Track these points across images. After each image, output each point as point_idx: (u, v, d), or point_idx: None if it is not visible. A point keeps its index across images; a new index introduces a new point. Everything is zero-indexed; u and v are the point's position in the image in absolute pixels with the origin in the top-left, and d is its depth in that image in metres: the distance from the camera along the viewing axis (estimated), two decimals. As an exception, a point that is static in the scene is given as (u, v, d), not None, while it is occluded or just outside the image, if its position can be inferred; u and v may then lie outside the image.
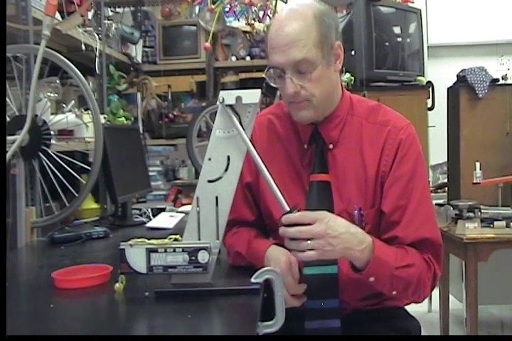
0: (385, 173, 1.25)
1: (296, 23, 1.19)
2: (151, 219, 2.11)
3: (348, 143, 1.29)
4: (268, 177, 1.12)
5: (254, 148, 1.16)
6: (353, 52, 3.03)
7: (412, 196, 1.23)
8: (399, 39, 3.06)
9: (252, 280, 1.11)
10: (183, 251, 1.10)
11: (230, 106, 1.14)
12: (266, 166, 1.14)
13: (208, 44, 2.90)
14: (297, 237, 1.08)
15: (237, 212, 1.33)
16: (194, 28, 3.26)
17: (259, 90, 1.15)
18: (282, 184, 1.27)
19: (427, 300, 3.11)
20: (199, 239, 1.13)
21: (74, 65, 1.85)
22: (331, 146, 1.29)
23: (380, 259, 1.15)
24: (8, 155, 1.70)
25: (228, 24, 3.30)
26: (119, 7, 3.27)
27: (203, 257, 1.09)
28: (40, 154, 1.83)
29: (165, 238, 1.13)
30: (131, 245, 1.10)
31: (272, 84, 1.29)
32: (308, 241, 1.07)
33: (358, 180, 1.26)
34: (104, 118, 2.42)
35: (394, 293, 1.20)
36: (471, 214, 2.67)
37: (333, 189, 1.27)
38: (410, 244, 1.21)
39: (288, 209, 1.11)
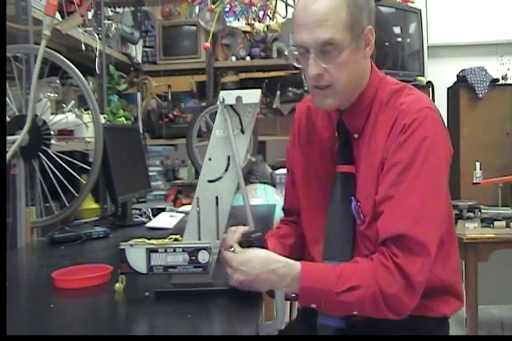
0: (385, 160, 1.14)
1: (325, 2, 1.11)
2: (151, 219, 2.11)
3: (372, 131, 1.19)
4: (244, 192, 1.15)
5: (295, 136, 1.28)
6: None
7: (403, 185, 1.10)
8: (399, 39, 3.06)
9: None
10: (183, 251, 1.10)
11: (230, 106, 1.14)
12: (301, 155, 1.26)
13: (207, 44, 2.90)
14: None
15: (288, 202, 1.43)
16: (194, 28, 3.26)
17: (260, 90, 1.15)
18: (312, 173, 1.30)
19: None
20: (199, 239, 1.13)
21: (74, 65, 1.85)
22: (356, 136, 1.22)
23: (311, 288, 1.08)
24: (8, 155, 1.70)
25: (228, 24, 3.29)
26: (119, 7, 3.27)
27: (203, 257, 1.10)
28: (40, 154, 1.83)
29: (165, 238, 1.13)
30: (131, 245, 1.10)
31: (295, 64, 1.20)
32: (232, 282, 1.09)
33: (372, 170, 1.17)
34: (104, 118, 2.42)
35: (355, 313, 1.10)
36: (471, 214, 2.68)
37: (358, 181, 1.20)
38: (385, 239, 1.10)
39: (252, 228, 1.13)
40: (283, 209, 1.48)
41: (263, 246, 1.12)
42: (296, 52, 1.17)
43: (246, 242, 1.12)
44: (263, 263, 1.08)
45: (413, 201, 1.10)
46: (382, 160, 1.14)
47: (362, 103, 1.21)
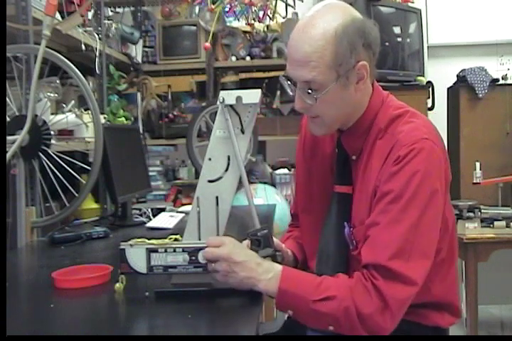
0: (378, 188, 1.13)
1: (310, 40, 1.09)
2: (151, 219, 2.11)
3: (369, 156, 1.19)
4: (248, 191, 1.15)
5: (300, 148, 1.32)
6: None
7: (389, 215, 1.09)
8: (399, 39, 3.06)
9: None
10: (183, 251, 1.10)
11: (230, 106, 1.14)
12: (305, 168, 1.29)
13: (207, 44, 2.90)
14: (206, 259, 1.10)
15: (294, 207, 1.45)
16: (194, 28, 3.26)
17: (260, 90, 1.15)
18: (314, 187, 1.32)
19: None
20: (199, 239, 1.13)
21: (74, 65, 1.84)
22: (353, 157, 1.23)
23: (287, 292, 1.07)
24: (8, 155, 1.70)
25: (228, 24, 3.29)
26: (119, 7, 3.27)
27: (203, 257, 1.09)
28: (40, 154, 1.83)
29: (165, 238, 1.13)
30: (131, 245, 1.10)
31: (288, 90, 1.21)
32: (214, 264, 1.09)
33: (366, 195, 1.17)
34: (104, 118, 2.42)
35: (331, 328, 1.08)
36: (471, 214, 2.68)
37: (353, 203, 1.21)
38: (366, 264, 1.09)
39: (258, 226, 1.14)
40: (291, 214, 1.51)
41: (270, 242, 1.13)
42: (286, 82, 1.18)
43: (254, 241, 1.12)
44: (250, 254, 1.10)
45: (396, 233, 1.08)
46: (375, 188, 1.14)
47: (360, 127, 1.21)
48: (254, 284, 1.08)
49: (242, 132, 1.14)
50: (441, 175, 1.15)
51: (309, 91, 1.12)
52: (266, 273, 1.08)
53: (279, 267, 1.10)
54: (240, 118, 1.14)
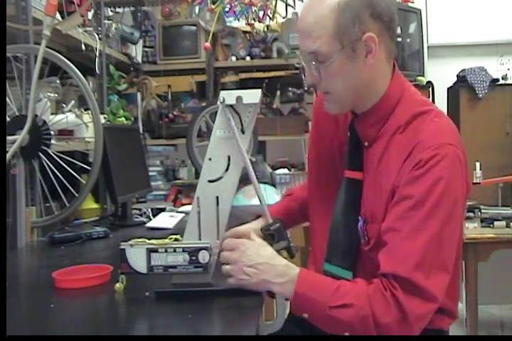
0: (397, 189, 1.09)
1: (314, 12, 1.09)
2: (151, 219, 2.11)
3: (386, 149, 1.14)
4: (257, 187, 1.15)
5: (315, 125, 1.28)
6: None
7: (410, 222, 1.05)
8: (399, 39, 3.06)
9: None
10: (183, 251, 1.10)
11: (231, 106, 1.13)
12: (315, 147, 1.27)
13: (207, 44, 2.90)
14: (221, 262, 1.11)
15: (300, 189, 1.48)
16: (194, 28, 3.26)
17: (260, 90, 1.15)
18: (320, 170, 1.30)
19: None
20: (199, 239, 1.13)
21: (74, 65, 1.84)
22: (366, 144, 1.18)
23: (304, 296, 1.06)
24: (9, 155, 1.70)
25: (228, 24, 3.29)
26: (119, 7, 3.26)
27: (203, 257, 1.09)
28: (40, 154, 1.83)
29: (165, 238, 1.13)
30: (131, 245, 1.10)
31: (297, 64, 1.23)
32: (227, 266, 1.09)
33: (382, 191, 1.13)
34: (104, 118, 2.42)
35: (346, 334, 1.06)
36: (471, 214, 2.68)
37: (364, 191, 1.17)
38: (386, 273, 1.05)
39: (270, 221, 1.15)
40: (284, 194, 1.54)
41: (283, 235, 1.14)
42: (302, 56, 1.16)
43: (267, 235, 1.13)
44: (267, 255, 1.09)
45: (418, 244, 1.04)
46: (394, 187, 1.09)
47: (375, 113, 1.17)
48: (268, 287, 1.08)
49: (243, 132, 1.14)
50: (464, 184, 1.12)
51: (315, 63, 1.11)
52: (280, 277, 1.07)
53: (295, 270, 1.08)
54: (240, 118, 1.14)
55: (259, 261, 1.08)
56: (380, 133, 1.16)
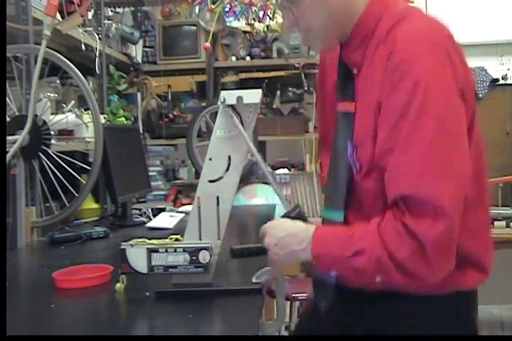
0: (382, 104, 1.00)
1: None
2: (151, 219, 2.11)
3: (370, 65, 1.05)
4: (273, 183, 1.14)
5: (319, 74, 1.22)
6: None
7: (400, 137, 0.96)
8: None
9: (253, 280, 1.11)
10: (183, 251, 1.10)
11: (231, 106, 1.13)
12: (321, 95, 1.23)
13: (207, 44, 2.90)
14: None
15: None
16: (194, 28, 3.26)
17: (260, 90, 1.15)
18: (325, 119, 1.26)
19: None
20: (200, 239, 1.13)
21: (74, 65, 1.84)
22: (355, 71, 1.09)
23: (320, 256, 1.03)
24: (9, 155, 1.70)
25: (228, 24, 3.29)
26: (119, 7, 3.27)
27: (203, 257, 1.09)
28: (40, 154, 1.83)
29: (166, 238, 1.13)
30: (131, 245, 1.10)
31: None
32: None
33: (368, 110, 1.04)
34: (104, 118, 2.42)
35: (378, 279, 0.98)
36: (471, 214, 2.67)
37: (356, 119, 1.08)
38: (393, 201, 0.97)
39: (288, 209, 1.13)
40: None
41: (305, 220, 1.13)
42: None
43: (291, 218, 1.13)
44: (287, 227, 1.09)
45: (412, 153, 0.95)
46: (379, 103, 1.00)
47: (356, 35, 1.08)
48: (297, 257, 1.07)
49: (243, 132, 1.14)
50: (455, 76, 0.99)
51: (287, 4, 1.09)
52: (300, 244, 1.05)
53: (310, 233, 1.05)
54: (240, 118, 1.14)
55: (282, 234, 1.07)
56: (366, 56, 1.07)
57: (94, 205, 2.37)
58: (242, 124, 1.14)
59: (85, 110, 2.13)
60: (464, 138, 0.98)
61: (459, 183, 0.96)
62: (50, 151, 1.84)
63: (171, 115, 3.25)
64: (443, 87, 0.97)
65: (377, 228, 0.97)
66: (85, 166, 1.93)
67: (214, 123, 1.16)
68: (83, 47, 2.23)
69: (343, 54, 1.13)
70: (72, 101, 2.21)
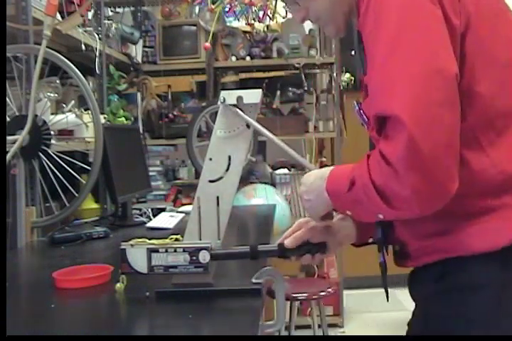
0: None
1: None
2: (151, 219, 2.11)
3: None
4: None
5: None
6: (352, 52, 3.04)
7: (375, 59, 0.90)
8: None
9: (253, 280, 1.11)
10: (183, 251, 1.09)
11: (232, 106, 1.13)
12: None
13: (207, 44, 2.90)
14: None
15: None
16: (194, 28, 3.26)
17: (260, 90, 1.15)
18: None
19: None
20: (200, 239, 1.13)
21: (74, 65, 1.84)
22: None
23: (331, 192, 0.98)
24: (9, 155, 1.70)
25: (228, 24, 3.30)
26: (119, 7, 3.27)
27: (203, 257, 1.09)
28: (40, 154, 1.83)
29: (166, 238, 1.13)
30: (132, 245, 1.10)
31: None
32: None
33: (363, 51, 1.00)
34: (104, 118, 2.42)
35: (380, 216, 0.94)
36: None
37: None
38: (376, 129, 0.92)
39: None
40: None
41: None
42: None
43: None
44: (316, 173, 1.03)
45: (377, 70, 0.90)
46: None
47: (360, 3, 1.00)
48: (325, 197, 1.00)
49: (243, 132, 1.14)
50: None
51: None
52: (321, 180, 1.00)
53: (328, 171, 1.01)
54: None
55: (311, 180, 1.02)
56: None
57: (94, 205, 2.37)
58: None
59: (85, 110, 2.13)
60: (436, 37, 0.88)
61: (417, 83, 0.84)
62: (50, 151, 1.84)
63: (171, 115, 3.25)
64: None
65: (367, 157, 0.93)
66: (85, 166, 1.93)
67: (214, 123, 1.16)
68: (83, 47, 2.23)
69: (354, 22, 1.07)
70: (72, 101, 2.21)
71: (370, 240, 1.16)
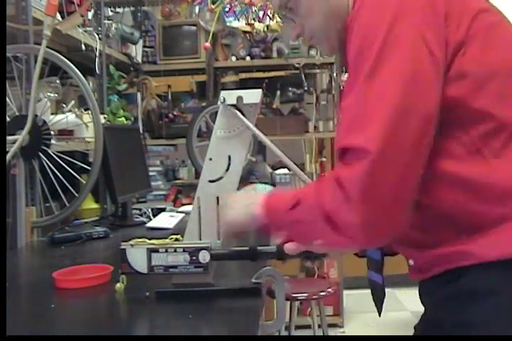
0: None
1: None
2: (151, 219, 2.11)
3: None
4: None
5: None
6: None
7: (352, 91, 0.89)
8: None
9: (253, 280, 1.11)
10: (183, 251, 1.09)
11: (232, 106, 1.13)
12: None
13: (207, 44, 2.90)
14: None
15: None
16: (194, 28, 3.26)
17: (260, 90, 1.15)
18: None
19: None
20: (200, 239, 1.13)
21: (74, 65, 1.84)
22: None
23: (270, 207, 0.97)
24: (9, 155, 1.70)
25: (228, 24, 3.30)
26: (119, 7, 3.27)
27: (203, 257, 1.09)
28: (40, 154, 1.83)
29: (166, 238, 1.13)
30: (132, 245, 1.10)
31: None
32: None
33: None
34: (104, 118, 2.42)
35: (317, 242, 0.92)
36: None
37: None
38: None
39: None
40: None
41: None
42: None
43: None
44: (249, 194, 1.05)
45: (350, 102, 0.88)
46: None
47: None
48: (249, 211, 0.99)
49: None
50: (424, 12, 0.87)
51: (288, 14, 1.08)
52: (251, 199, 1.02)
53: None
54: (240, 118, 1.14)
55: (239, 195, 1.05)
56: None
57: (94, 205, 2.37)
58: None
59: (85, 110, 2.13)
60: (417, 76, 0.85)
61: (390, 123, 0.83)
62: (50, 151, 1.84)
63: (171, 115, 3.25)
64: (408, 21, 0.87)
65: (318, 181, 0.92)
66: (85, 166, 1.93)
67: (214, 123, 1.16)
68: (83, 47, 2.23)
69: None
70: (72, 101, 2.21)
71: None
